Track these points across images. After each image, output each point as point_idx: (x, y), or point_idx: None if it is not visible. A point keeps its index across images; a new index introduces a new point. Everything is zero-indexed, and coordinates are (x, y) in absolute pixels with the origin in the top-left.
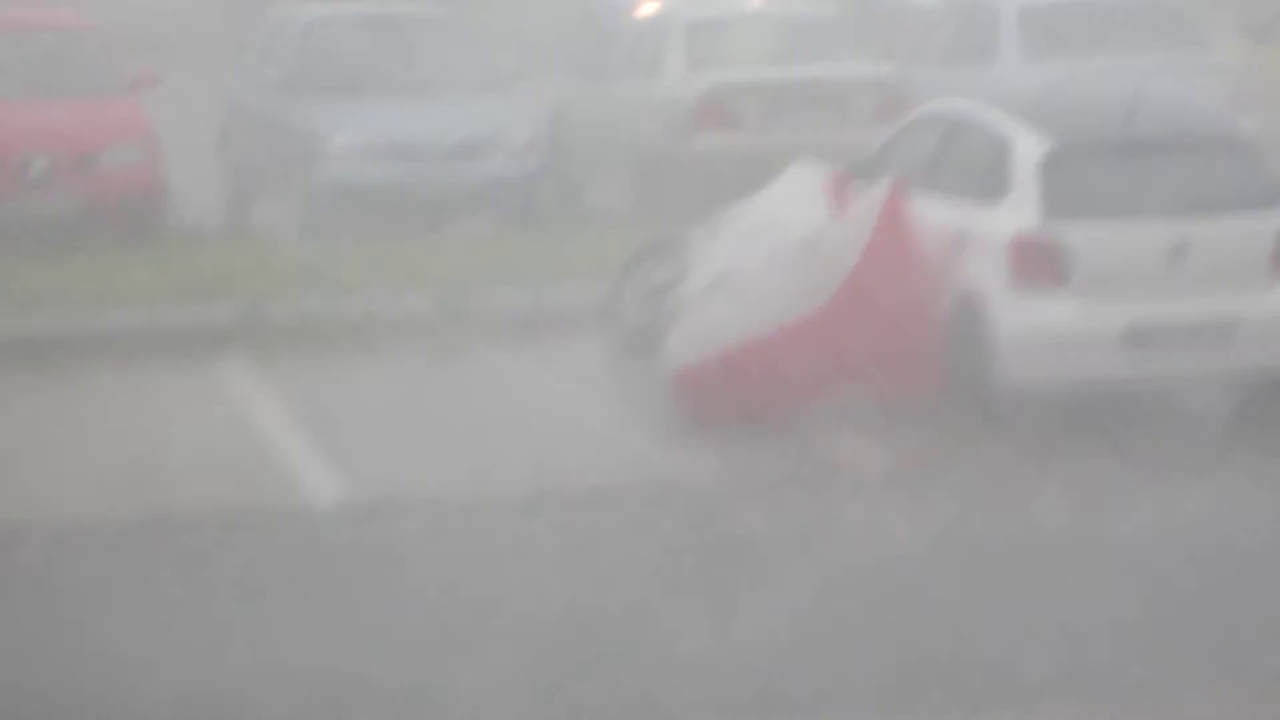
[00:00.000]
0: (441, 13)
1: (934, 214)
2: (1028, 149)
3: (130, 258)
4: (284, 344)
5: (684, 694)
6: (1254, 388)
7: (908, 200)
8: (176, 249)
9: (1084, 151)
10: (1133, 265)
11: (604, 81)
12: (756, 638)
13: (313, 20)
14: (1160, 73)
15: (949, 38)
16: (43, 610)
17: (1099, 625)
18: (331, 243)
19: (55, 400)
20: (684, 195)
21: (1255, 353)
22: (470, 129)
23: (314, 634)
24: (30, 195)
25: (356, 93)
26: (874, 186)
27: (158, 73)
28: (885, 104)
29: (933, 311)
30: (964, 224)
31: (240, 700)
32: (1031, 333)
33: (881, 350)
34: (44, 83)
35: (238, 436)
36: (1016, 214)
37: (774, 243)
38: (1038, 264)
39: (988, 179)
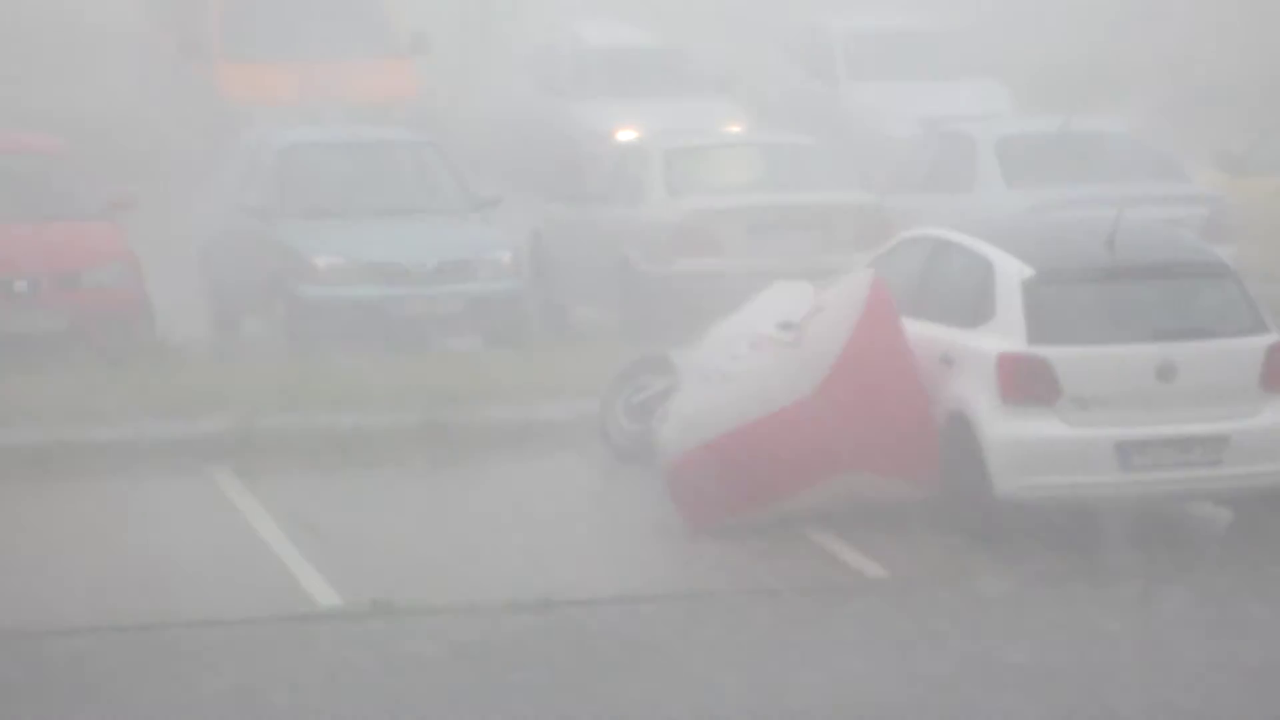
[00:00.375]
0: (420, 137)
1: (919, 336)
2: (1011, 274)
3: (117, 374)
4: (273, 458)
5: None
6: (1244, 503)
7: (888, 290)
8: (162, 366)
9: (1066, 277)
10: (1120, 385)
11: (586, 205)
12: None
13: (289, 145)
14: (1139, 202)
15: (929, 165)
16: (44, 714)
17: None
18: (317, 360)
19: (50, 511)
20: (667, 317)
21: (1245, 469)
22: (452, 251)
23: None
24: (14, 314)
25: (338, 215)
26: (855, 276)
27: (136, 194)
28: (866, 229)
29: (926, 401)
30: (950, 346)
31: None
32: (1022, 449)
33: (876, 437)
34: (24, 205)
35: (231, 546)
36: (1002, 336)
37: (760, 335)
38: (1025, 382)
39: (972, 303)
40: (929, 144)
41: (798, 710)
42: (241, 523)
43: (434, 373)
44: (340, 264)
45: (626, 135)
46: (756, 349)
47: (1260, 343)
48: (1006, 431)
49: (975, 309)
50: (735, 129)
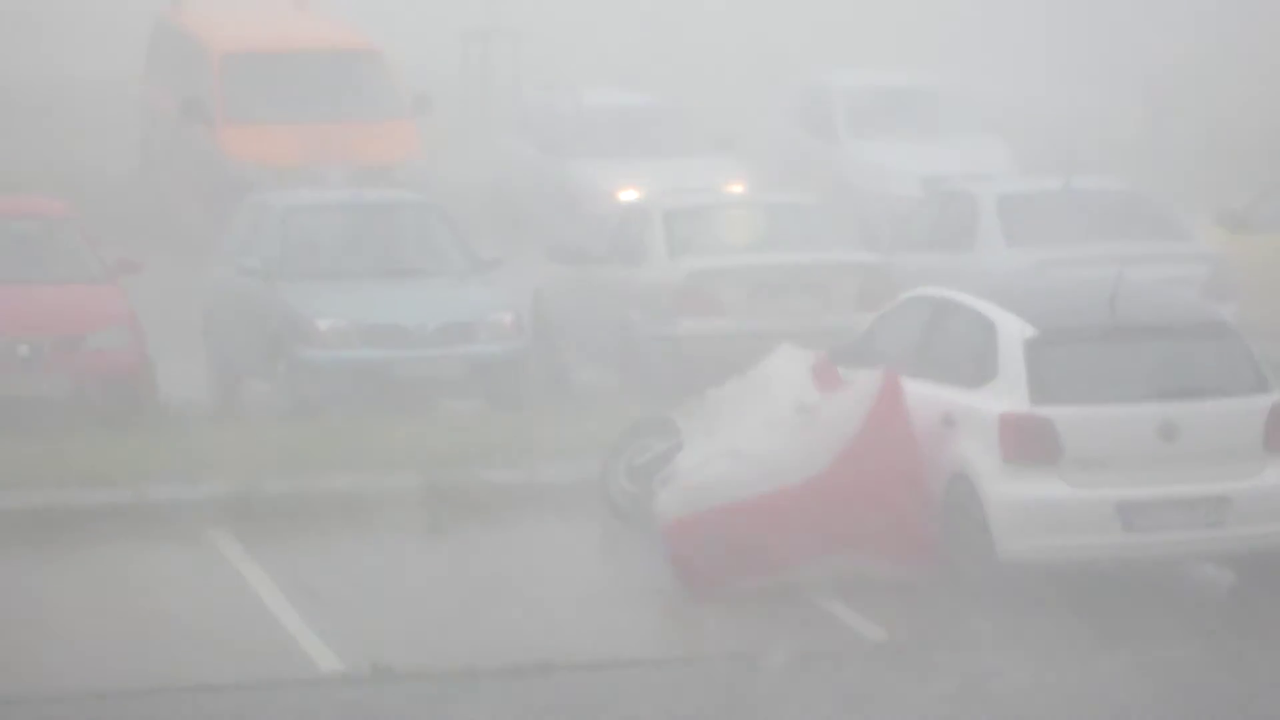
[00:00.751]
0: (420, 199)
1: (921, 396)
2: (1013, 334)
3: (119, 438)
4: (274, 521)
5: None
6: (1247, 564)
7: (901, 385)
8: (164, 429)
9: (1068, 337)
10: (1122, 445)
11: (588, 266)
12: None
13: (291, 207)
14: (1140, 261)
15: (930, 225)
16: None
17: None
18: (318, 423)
19: (51, 574)
20: (669, 378)
21: (1248, 530)
22: (453, 313)
23: None
24: (17, 378)
25: (339, 278)
26: (871, 372)
27: (138, 258)
28: (869, 289)
29: (927, 490)
30: (952, 406)
31: None
32: (1024, 509)
33: (876, 521)
34: (27, 268)
35: (232, 610)
36: (1004, 396)
37: (769, 410)
38: (1027, 443)
39: (974, 363)
40: (930, 203)
41: None
42: (242, 586)
43: (435, 435)
44: (342, 326)
45: (628, 195)
46: (769, 426)
47: (1262, 402)
48: (1009, 492)
49: (977, 369)
50: (737, 188)
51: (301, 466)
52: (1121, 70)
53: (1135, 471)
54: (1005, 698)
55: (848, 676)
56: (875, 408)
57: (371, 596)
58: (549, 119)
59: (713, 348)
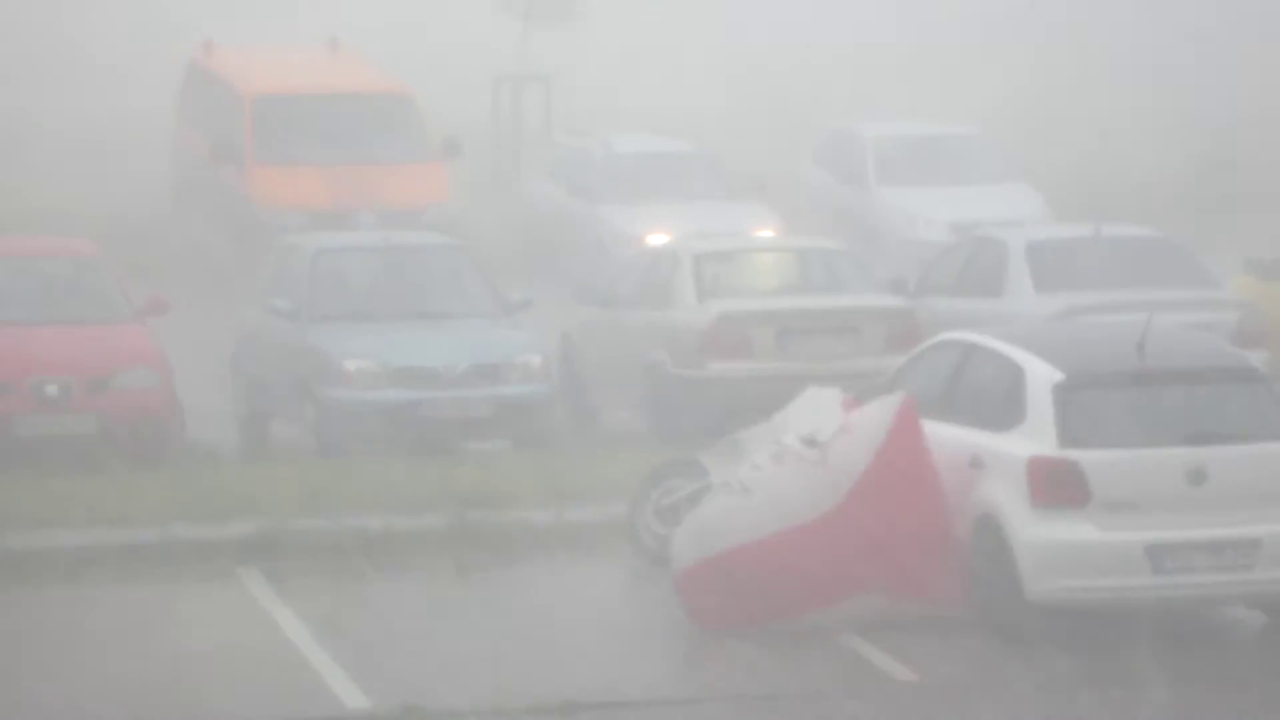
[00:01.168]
0: (448, 242)
1: (948, 439)
2: (1042, 378)
3: (148, 477)
4: (303, 560)
5: None
6: (1277, 607)
7: (916, 413)
8: (193, 468)
9: (1096, 381)
10: (1151, 489)
11: (616, 308)
12: None
13: (321, 249)
14: (1169, 307)
15: (959, 270)
16: None
17: None
18: (346, 463)
19: (80, 614)
20: (698, 420)
21: (1278, 573)
22: (482, 353)
23: None
24: (44, 417)
25: (368, 319)
26: (885, 398)
27: (167, 298)
28: (897, 334)
29: (950, 525)
30: (980, 448)
31: None
32: (1052, 551)
33: (896, 558)
34: (56, 309)
35: (260, 649)
36: (1033, 440)
37: (780, 446)
38: (1056, 486)
39: (1003, 407)
40: (960, 248)
41: None
42: (271, 625)
43: (462, 475)
44: (370, 368)
45: (657, 239)
46: (778, 462)
47: None
48: (1037, 535)
49: (1006, 412)
50: (766, 233)
51: (329, 506)
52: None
53: (1164, 514)
54: None
55: (876, 717)
56: (889, 439)
57: (399, 635)
58: (580, 164)
59: (741, 390)
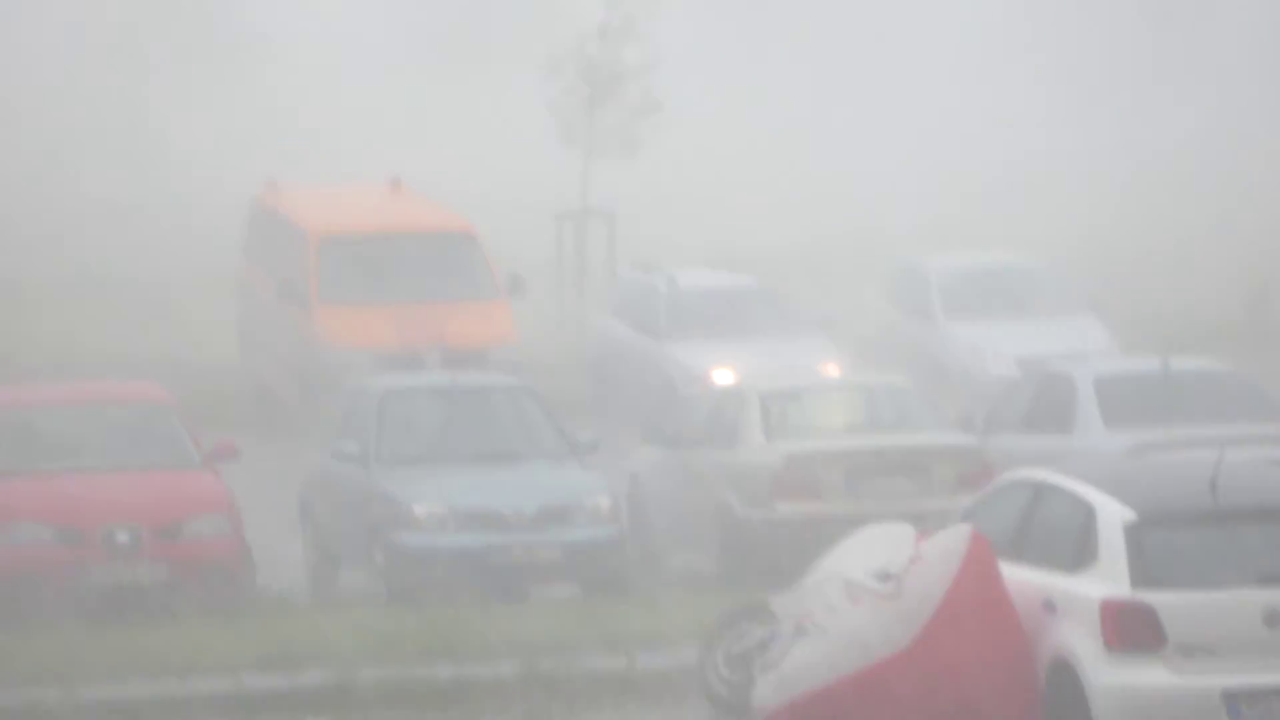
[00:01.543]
0: (515, 383)
1: (1020, 580)
2: (1113, 518)
3: (218, 626)
4: (374, 710)
5: None
6: None
7: (988, 545)
8: (263, 616)
9: (1169, 521)
10: (1227, 632)
11: (684, 448)
12: None
13: (388, 392)
14: (1241, 442)
15: (1027, 406)
16: None
17: None
18: (417, 608)
19: None
20: (767, 563)
21: None
22: (551, 496)
23: None
24: (115, 565)
25: (436, 462)
26: (954, 528)
27: (236, 444)
28: (966, 472)
29: (1030, 653)
30: (1052, 590)
31: None
32: (1128, 698)
33: (978, 690)
34: (126, 455)
35: None
36: (1105, 581)
37: (855, 584)
38: (1130, 629)
39: (1074, 547)
40: (1028, 384)
41: None
42: None
43: (533, 621)
44: (439, 512)
45: (722, 375)
46: (853, 600)
47: None
48: (1112, 680)
49: (1077, 553)
50: (832, 369)
51: (400, 654)
52: (1225, 253)
53: (1242, 659)
54: None
55: None
56: (963, 568)
57: None
58: (644, 300)
59: (811, 531)
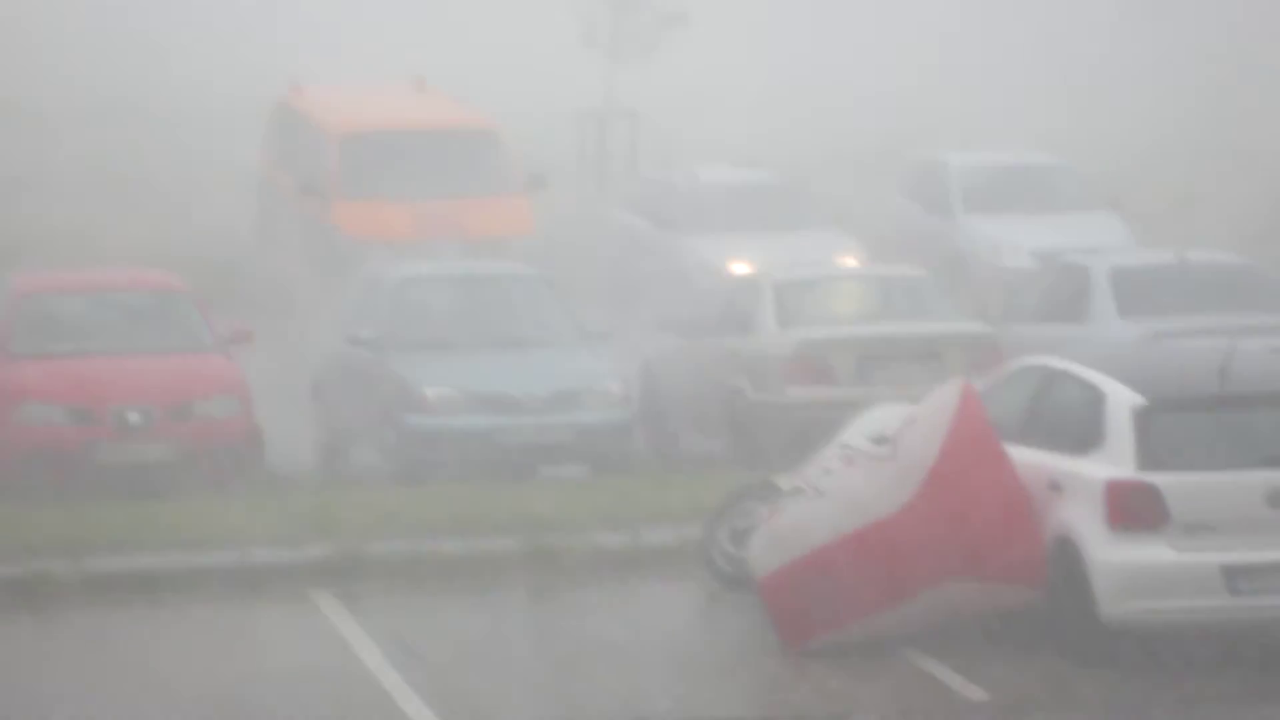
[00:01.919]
0: (530, 272)
1: (1028, 463)
2: (1122, 402)
3: (228, 502)
4: (378, 583)
5: None
6: None
7: (979, 397)
8: (273, 494)
9: (1177, 405)
10: (1229, 511)
11: (698, 336)
12: None
13: (404, 279)
14: (1253, 333)
15: (1042, 297)
16: None
17: None
18: (424, 488)
19: (156, 635)
20: (777, 446)
21: None
22: (562, 381)
23: None
24: (126, 444)
25: (448, 348)
26: (945, 386)
27: (251, 328)
28: (979, 360)
29: (1028, 502)
30: (1058, 472)
31: None
32: (1129, 574)
33: (978, 542)
34: (141, 339)
35: (334, 670)
36: (1111, 463)
37: (853, 450)
38: (1134, 508)
39: (1082, 430)
40: (1044, 275)
41: None
42: (343, 647)
43: (540, 500)
44: (451, 395)
45: (740, 268)
46: (849, 464)
47: None
48: (1114, 557)
49: (1085, 436)
50: (849, 261)
51: (405, 530)
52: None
53: (1243, 537)
54: None
55: None
56: (956, 423)
57: (472, 657)
58: (664, 196)
59: (820, 415)
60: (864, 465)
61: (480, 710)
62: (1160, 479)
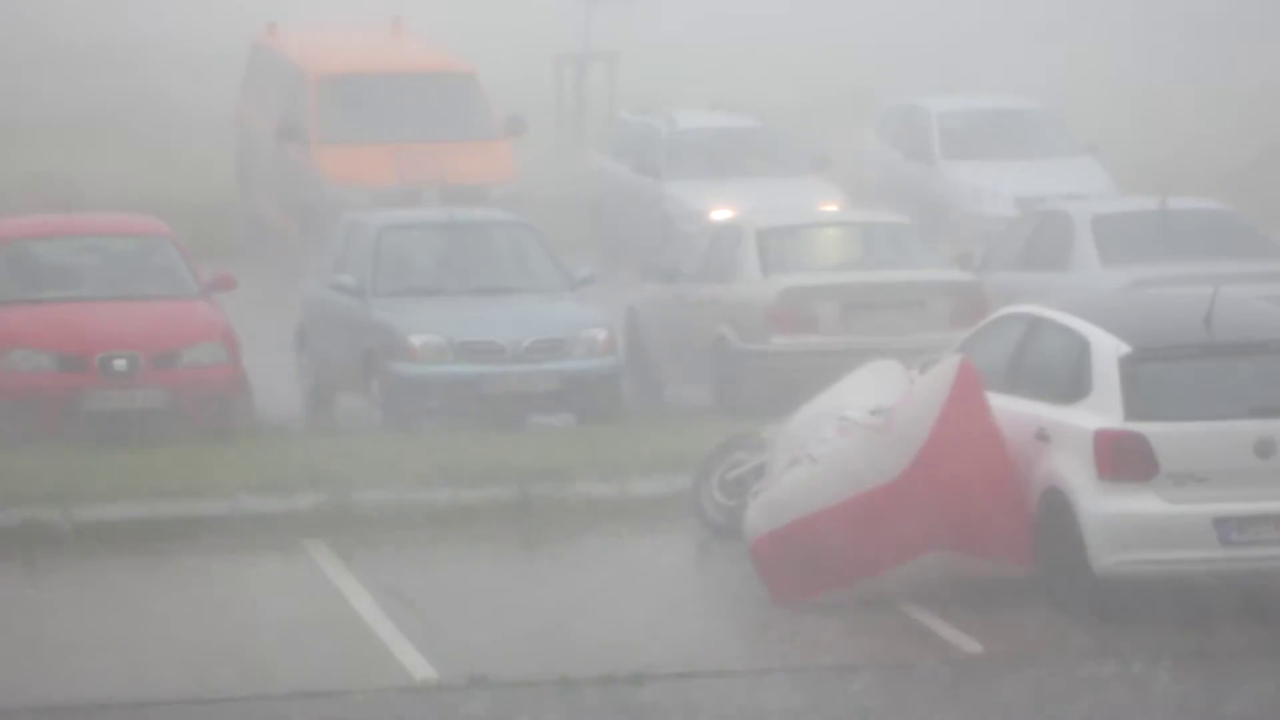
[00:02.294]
0: (513, 218)
1: (1014, 412)
2: (1108, 351)
3: (215, 450)
4: (369, 532)
5: None
6: None
7: (977, 373)
8: (259, 442)
9: (1163, 354)
10: (1218, 461)
11: (681, 283)
12: None
13: (386, 226)
14: (1235, 280)
15: (1024, 244)
16: None
17: None
18: (412, 437)
19: (146, 584)
20: (762, 394)
21: None
22: (548, 329)
23: None
24: (113, 391)
25: (433, 295)
26: (944, 362)
27: (234, 275)
28: (962, 307)
29: (1016, 482)
30: (1046, 422)
31: None
32: (1119, 524)
33: (966, 519)
34: (125, 285)
35: (326, 620)
36: (1099, 413)
37: (848, 417)
38: (1123, 459)
39: (1069, 380)
40: (1026, 222)
41: None
42: (336, 597)
43: (528, 449)
44: (435, 342)
45: (721, 215)
46: (845, 433)
47: None
48: (1104, 508)
49: (1072, 385)
50: (831, 208)
51: (395, 479)
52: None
53: (1232, 487)
54: (1099, 711)
55: (940, 688)
56: (951, 400)
57: (465, 607)
58: (644, 140)
59: (805, 364)
60: (859, 436)
61: (475, 659)
62: (1148, 428)
